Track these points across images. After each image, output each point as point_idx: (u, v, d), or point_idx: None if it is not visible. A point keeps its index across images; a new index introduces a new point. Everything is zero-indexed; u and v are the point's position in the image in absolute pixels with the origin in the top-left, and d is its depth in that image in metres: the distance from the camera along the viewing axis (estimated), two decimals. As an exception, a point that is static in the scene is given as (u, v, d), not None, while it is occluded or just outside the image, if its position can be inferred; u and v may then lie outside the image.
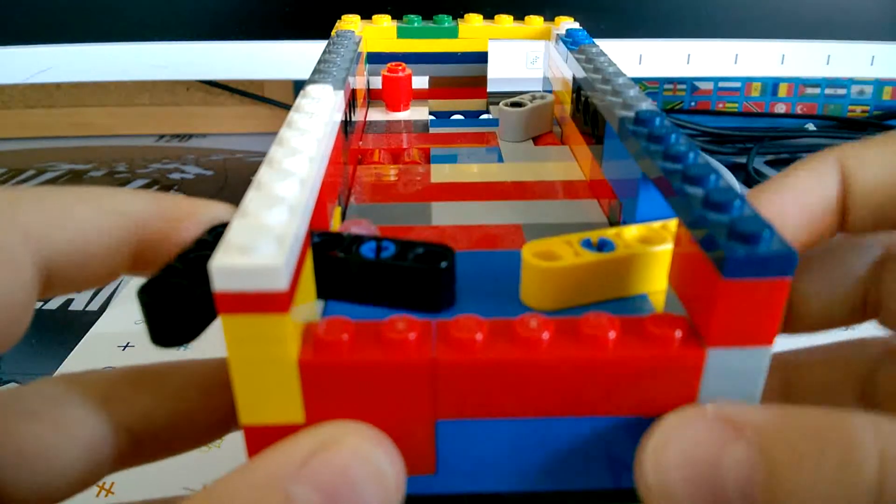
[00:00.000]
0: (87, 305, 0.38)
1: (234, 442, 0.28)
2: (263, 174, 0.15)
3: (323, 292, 0.16)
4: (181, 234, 0.16)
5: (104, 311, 0.37)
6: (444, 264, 0.15)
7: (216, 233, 0.15)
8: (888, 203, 0.17)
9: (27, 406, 0.15)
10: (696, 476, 0.13)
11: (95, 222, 0.15)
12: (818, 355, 0.20)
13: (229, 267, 0.12)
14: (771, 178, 0.17)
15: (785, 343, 0.19)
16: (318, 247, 0.16)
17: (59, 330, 0.36)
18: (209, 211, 0.16)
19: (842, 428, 0.13)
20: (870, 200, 0.17)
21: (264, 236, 0.13)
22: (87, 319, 0.36)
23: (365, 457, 0.13)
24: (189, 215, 0.16)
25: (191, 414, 0.17)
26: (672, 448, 0.13)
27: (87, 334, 0.35)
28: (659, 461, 0.13)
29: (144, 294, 0.15)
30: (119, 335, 0.35)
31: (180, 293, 0.15)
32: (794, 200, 0.16)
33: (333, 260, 0.16)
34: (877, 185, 0.16)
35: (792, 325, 0.19)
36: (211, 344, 0.16)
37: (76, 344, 0.34)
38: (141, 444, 0.17)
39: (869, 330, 0.19)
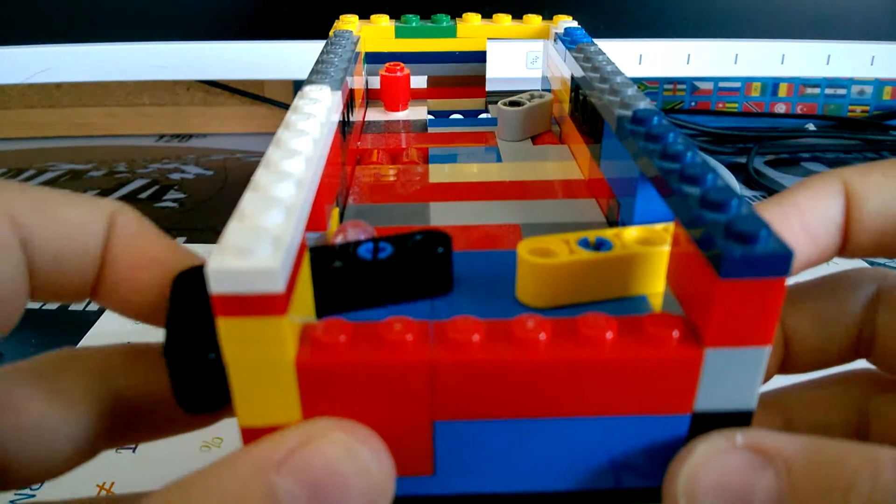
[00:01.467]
0: (87, 305, 0.38)
1: (234, 442, 0.28)
2: (260, 176, 0.15)
3: (322, 309, 0.16)
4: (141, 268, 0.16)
5: (104, 311, 0.37)
6: (440, 249, 0.15)
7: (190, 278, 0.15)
8: (891, 230, 0.17)
9: (24, 380, 0.16)
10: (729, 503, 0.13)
11: (77, 220, 0.15)
12: (812, 392, 0.20)
13: (226, 269, 0.12)
14: (774, 196, 0.17)
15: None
16: (314, 261, 0.16)
17: (59, 330, 0.36)
18: (163, 253, 0.16)
19: (869, 461, 0.13)
20: (873, 226, 0.17)
21: (261, 238, 0.13)
22: (87, 319, 0.37)
23: (350, 452, 0.13)
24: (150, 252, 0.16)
25: None
26: (704, 476, 0.14)
27: (87, 334, 0.35)
28: (691, 489, 0.14)
29: (170, 358, 0.15)
30: (119, 335, 0.35)
31: (207, 366, 0.14)
32: (798, 220, 0.17)
33: (330, 272, 0.16)
34: (881, 211, 0.17)
35: (789, 366, 0.19)
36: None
37: (76, 344, 0.34)
38: (139, 419, 0.17)
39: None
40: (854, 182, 0.17)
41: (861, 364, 0.19)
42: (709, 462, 0.14)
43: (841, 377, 0.20)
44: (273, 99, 0.63)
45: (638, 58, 0.47)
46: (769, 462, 0.13)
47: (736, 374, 0.14)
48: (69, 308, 0.38)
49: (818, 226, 0.17)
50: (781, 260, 0.13)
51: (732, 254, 0.13)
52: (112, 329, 0.35)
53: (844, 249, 0.17)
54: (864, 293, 0.18)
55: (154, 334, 0.17)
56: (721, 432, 0.14)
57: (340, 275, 0.16)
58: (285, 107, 0.63)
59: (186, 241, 0.45)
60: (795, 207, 0.17)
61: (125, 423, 0.17)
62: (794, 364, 0.19)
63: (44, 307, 0.38)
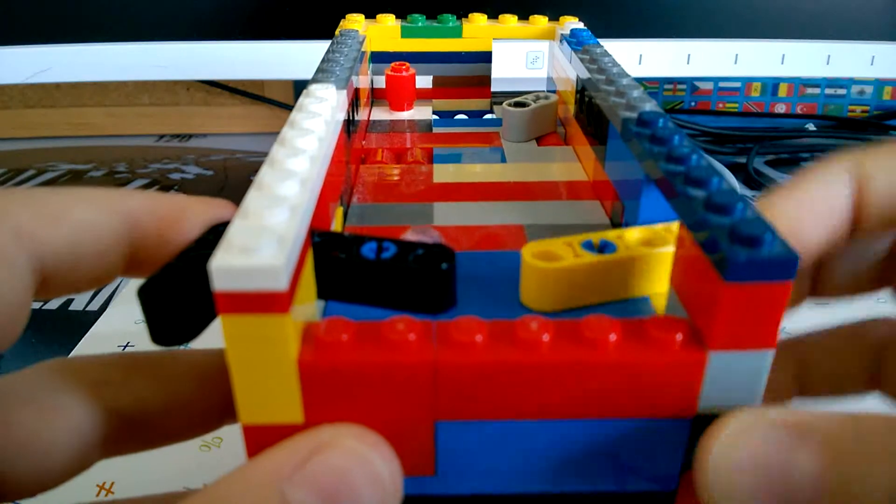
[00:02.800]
0: (87, 305, 0.38)
1: (234, 442, 0.28)
2: (265, 174, 0.15)
3: (323, 293, 0.16)
4: (178, 234, 0.16)
5: (104, 311, 0.37)
6: (444, 266, 0.15)
7: (217, 232, 0.15)
8: None
9: (19, 393, 0.15)
10: (765, 480, 0.13)
11: (89, 222, 0.15)
12: (828, 340, 0.20)
13: (229, 267, 0.12)
14: (783, 185, 0.17)
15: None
16: (319, 247, 0.16)
17: (59, 330, 0.36)
18: (207, 209, 0.16)
19: None
20: (885, 207, 0.16)
21: (265, 236, 0.13)
22: (87, 319, 0.36)
23: (362, 459, 0.13)
24: (185, 214, 0.16)
25: (185, 402, 0.17)
26: (741, 451, 0.13)
27: (87, 334, 0.35)
28: (727, 463, 0.13)
29: (144, 293, 0.15)
30: (119, 335, 0.35)
31: (180, 292, 0.15)
32: (810, 209, 0.16)
33: (334, 260, 0.16)
34: (891, 188, 0.16)
35: (818, 291, 0.19)
36: (210, 338, 0.16)
37: (76, 344, 0.34)
38: (133, 430, 0.16)
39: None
40: (863, 165, 0.16)
41: (878, 311, 0.19)
42: (745, 435, 0.13)
43: (856, 327, 0.20)
44: (273, 99, 0.63)
45: (638, 58, 0.47)
46: (808, 439, 0.13)
47: (739, 377, 0.14)
48: (69, 308, 0.38)
49: (831, 213, 0.16)
50: (786, 264, 0.13)
51: (737, 257, 0.13)
52: (112, 329, 0.35)
53: (855, 232, 0.17)
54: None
55: (152, 350, 0.17)
56: (750, 409, 0.14)
57: (342, 265, 0.16)
58: (285, 107, 0.63)
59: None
60: (808, 196, 0.16)
61: (120, 435, 0.16)
62: (824, 290, 0.19)
63: (44, 307, 0.38)
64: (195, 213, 0.16)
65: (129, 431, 0.16)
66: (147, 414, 0.16)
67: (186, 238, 0.16)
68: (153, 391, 0.17)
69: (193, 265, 0.15)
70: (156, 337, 0.15)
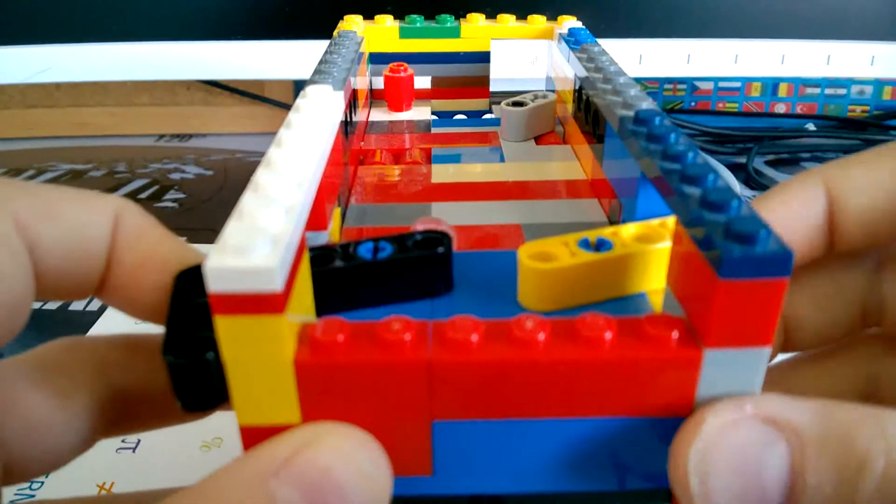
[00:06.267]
0: (87, 305, 0.38)
1: (234, 442, 0.28)
2: (260, 175, 0.15)
3: (322, 310, 0.16)
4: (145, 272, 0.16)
5: (104, 311, 0.37)
6: (440, 249, 0.16)
7: (190, 277, 0.15)
8: (878, 223, 0.16)
9: (27, 377, 0.16)
10: (740, 483, 0.13)
11: (83, 218, 0.15)
12: (816, 363, 0.20)
13: (224, 268, 0.12)
14: (755, 199, 0.17)
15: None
16: (314, 261, 0.16)
17: (59, 330, 0.36)
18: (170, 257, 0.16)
19: (879, 435, 0.12)
20: (859, 221, 0.16)
21: (259, 237, 0.13)
22: (87, 319, 0.37)
23: (348, 456, 0.13)
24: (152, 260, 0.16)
25: None
26: (717, 454, 0.13)
27: (87, 334, 0.35)
28: (704, 469, 0.13)
29: (175, 370, 0.14)
30: (119, 335, 0.35)
31: (210, 367, 0.14)
32: (780, 223, 0.16)
33: (330, 272, 0.16)
34: (865, 205, 0.16)
35: (790, 347, 0.19)
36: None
37: (76, 344, 0.34)
38: (136, 412, 0.17)
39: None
40: (835, 179, 0.16)
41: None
42: (720, 437, 0.13)
43: (846, 343, 0.19)
44: (273, 99, 0.63)
45: (638, 58, 0.47)
46: (781, 434, 0.13)
47: (736, 376, 0.14)
48: (69, 308, 0.38)
49: (803, 227, 0.16)
50: (781, 260, 0.13)
51: (732, 254, 0.13)
52: (112, 329, 0.35)
53: (833, 247, 0.17)
54: (864, 265, 0.18)
55: (156, 332, 0.17)
56: (729, 401, 0.13)
57: (340, 275, 0.16)
58: (285, 107, 0.63)
59: (186, 241, 0.45)
60: (780, 209, 0.16)
61: (122, 416, 0.17)
62: (796, 345, 0.18)
63: (44, 307, 0.38)
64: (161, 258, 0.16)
65: (131, 411, 0.17)
66: (148, 394, 0.17)
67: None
68: (154, 372, 0.17)
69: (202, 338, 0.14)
70: (187, 405, 0.15)
